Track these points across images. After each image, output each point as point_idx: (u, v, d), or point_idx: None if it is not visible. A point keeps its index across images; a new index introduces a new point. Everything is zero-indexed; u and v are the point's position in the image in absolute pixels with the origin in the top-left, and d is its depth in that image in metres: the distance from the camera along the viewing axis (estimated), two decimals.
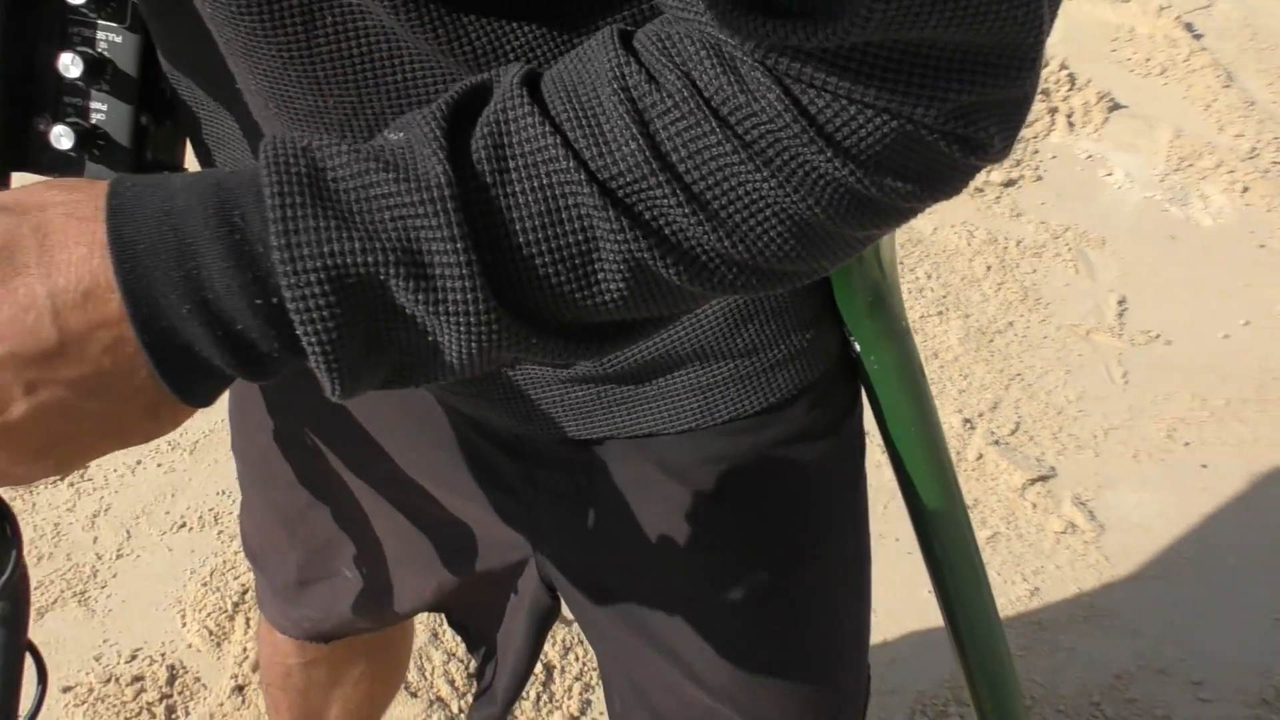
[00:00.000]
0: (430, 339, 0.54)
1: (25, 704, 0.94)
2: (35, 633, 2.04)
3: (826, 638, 0.98)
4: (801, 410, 0.90)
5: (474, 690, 1.30)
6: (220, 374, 0.55)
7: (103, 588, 2.14)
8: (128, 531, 2.24)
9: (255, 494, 1.19)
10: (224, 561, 2.19)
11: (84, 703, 1.95)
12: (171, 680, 2.00)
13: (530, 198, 0.53)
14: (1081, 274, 2.86)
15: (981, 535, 2.27)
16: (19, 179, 0.90)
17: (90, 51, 0.88)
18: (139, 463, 2.37)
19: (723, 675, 0.97)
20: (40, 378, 0.52)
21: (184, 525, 2.26)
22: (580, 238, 0.54)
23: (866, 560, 1.02)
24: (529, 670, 1.19)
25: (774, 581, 0.95)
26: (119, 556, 2.20)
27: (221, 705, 1.96)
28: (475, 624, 1.26)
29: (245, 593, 2.12)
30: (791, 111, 0.52)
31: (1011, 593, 2.19)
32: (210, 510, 2.29)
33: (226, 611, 2.09)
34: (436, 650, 2.03)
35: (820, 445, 0.93)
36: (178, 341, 0.52)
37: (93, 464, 2.37)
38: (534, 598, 1.06)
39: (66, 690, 1.97)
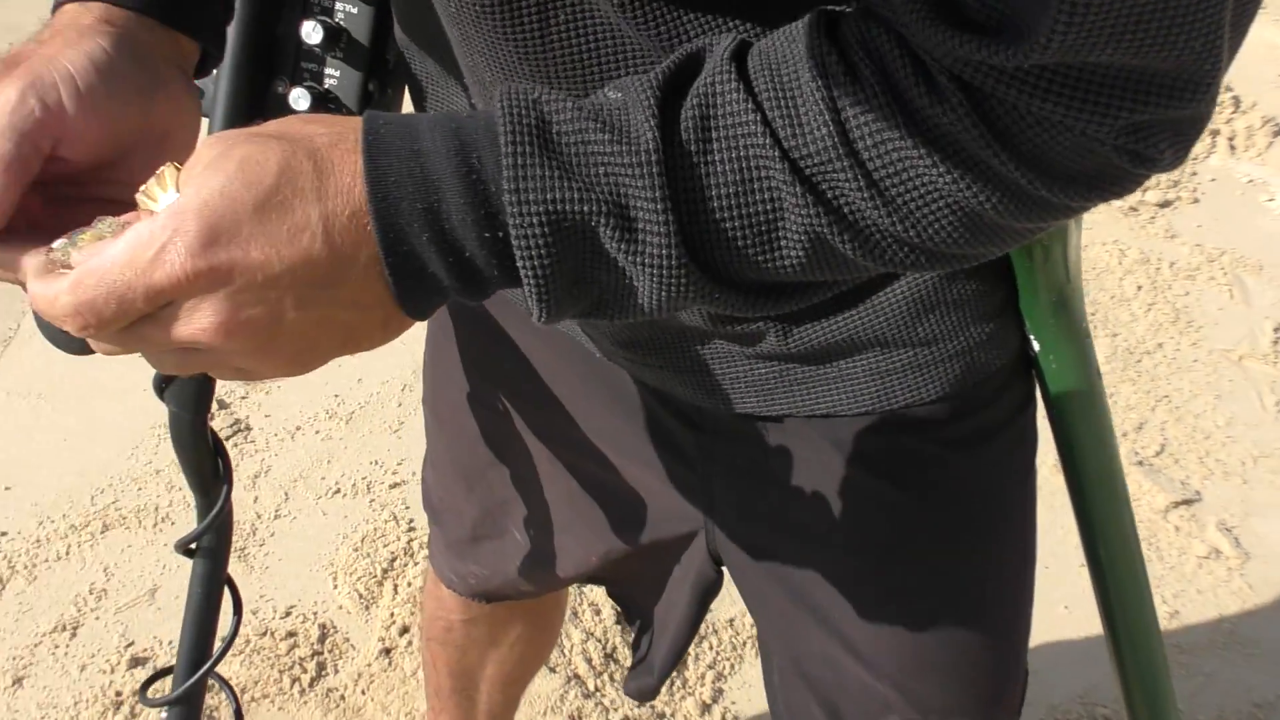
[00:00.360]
0: (627, 281, 0.60)
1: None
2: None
3: (991, 625, 1.00)
4: (977, 402, 0.93)
5: (630, 660, 1.34)
6: (444, 293, 0.61)
7: (261, 545, 2.24)
8: (285, 494, 2.33)
9: (441, 447, 1.25)
10: (375, 529, 2.27)
11: (240, 653, 2.04)
12: (322, 639, 2.08)
13: (728, 167, 0.58)
14: (1236, 299, 2.82)
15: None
16: None
17: (329, 20, 0.95)
18: (298, 429, 2.47)
19: (885, 654, 0.99)
20: (310, 294, 0.58)
21: (338, 491, 2.34)
22: (768, 207, 0.59)
23: (1033, 553, 1.03)
24: (688, 642, 1.22)
25: (944, 566, 0.97)
26: (276, 517, 2.29)
27: (369, 666, 2.03)
28: (634, 596, 1.30)
29: (394, 560, 2.19)
30: (972, 117, 0.56)
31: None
32: (363, 479, 2.37)
33: (376, 577, 2.17)
34: (575, 629, 2.08)
35: (994, 437, 0.95)
36: (415, 264, 0.58)
37: (255, 427, 2.47)
38: (699, 570, 1.09)
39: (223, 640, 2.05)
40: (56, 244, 0.62)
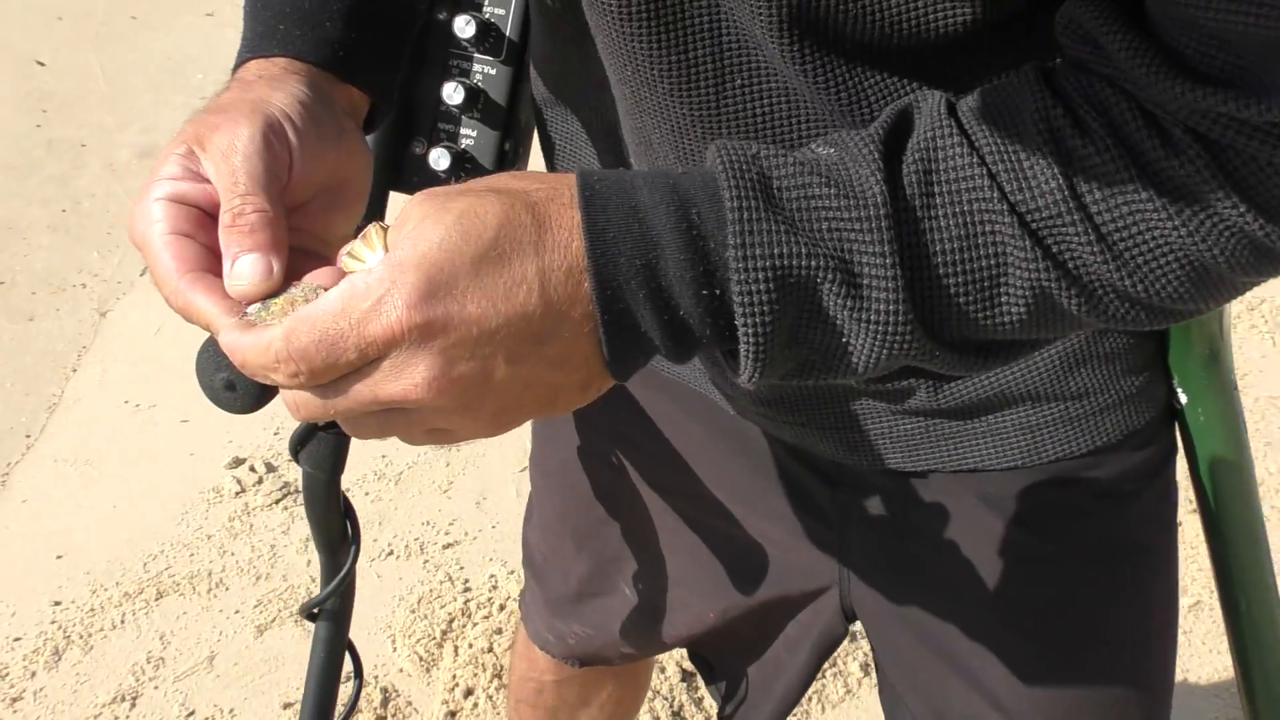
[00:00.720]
0: (843, 340, 0.59)
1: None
2: (255, 650, 2.11)
3: (1141, 678, 0.99)
4: (1125, 454, 0.92)
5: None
6: (650, 353, 0.60)
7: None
8: None
9: (549, 505, 1.24)
10: (430, 590, 2.25)
11: None
12: (385, 702, 2.06)
13: (952, 221, 0.58)
14: (1279, 347, 2.82)
15: (1184, 602, 2.24)
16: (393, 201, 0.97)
17: (468, 82, 0.95)
18: (347, 490, 2.44)
19: (1032, 709, 0.98)
20: (521, 350, 0.57)
21: (391, 553, 2.33)
22: (992, 262, 0.58)
23: (1176, 605, 1.02)
24: (797, 700, 1.20)
25: (1093, 619, 0.96)
26: None
27: None
28: (727, 654, 1.28)
29: (451, 621, 2.18)
30: (1211, 169, 0.56)
31: (1216, 662, 2.16)
32: (415, 540, 2.36)
33: (435, 639, 2.15)
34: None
35: (1143, 490, 0.95)
36: (628, 322, 0.57)
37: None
38: (826, 626, 1.08)
39: (286, 707, 2.04)
40: (251, 309, 0.62)
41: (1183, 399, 0.93)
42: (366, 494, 2.46)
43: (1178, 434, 0.98)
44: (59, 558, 2.31)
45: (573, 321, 0.57)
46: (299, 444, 0.97)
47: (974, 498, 0.94)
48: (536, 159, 0.99)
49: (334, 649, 1.17)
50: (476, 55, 0.96)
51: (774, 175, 0.58)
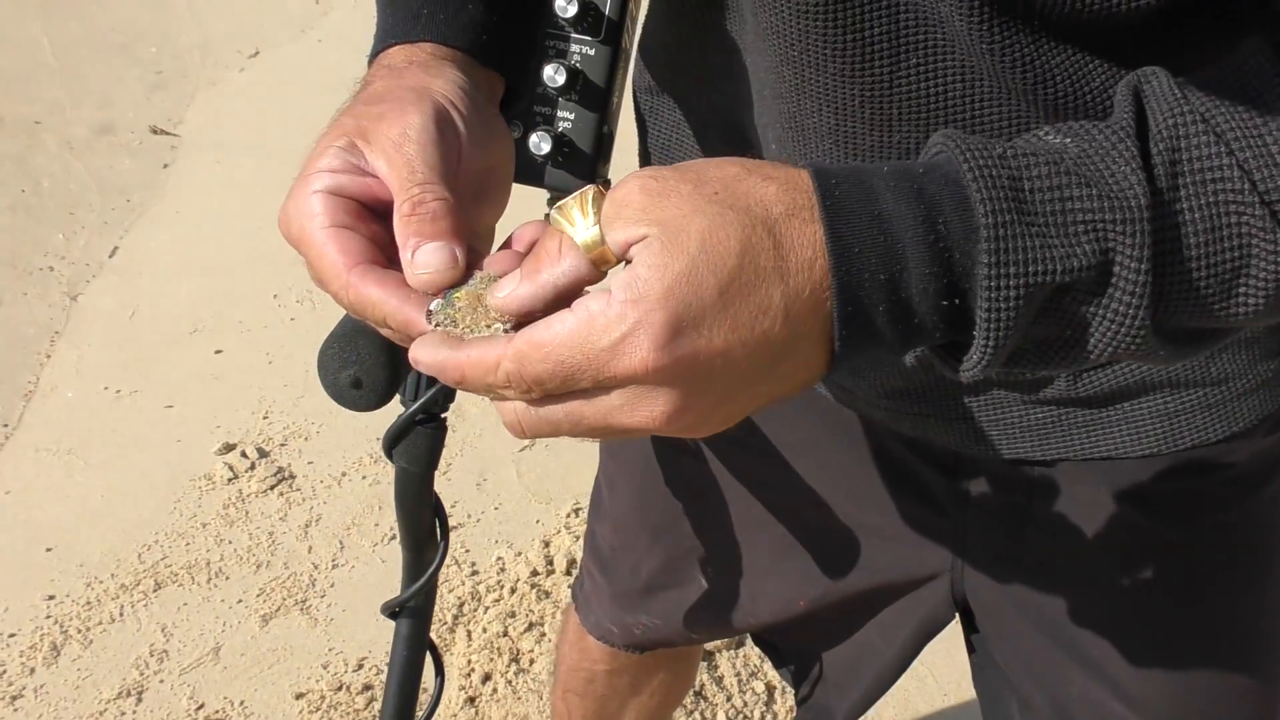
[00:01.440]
0: (1069, 335, 0.57)
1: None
2: (261, 640, 2.07)
3: (1266, 666, 0.98)
4: (1258, 439, 0.91)
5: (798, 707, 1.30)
6: (875, 359, 0.57)
7: (322, 597, 2.18)
8: (340, 542, 2.27)
9: (624, 497, 1.21)
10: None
11: (317, 709, 1.97)
12: None
13: (1199, 215, 0.55)
14: None
15: None
16: None
17: (566, 63, 0.92)
18: (344, 475, 2.41)
19: (1158, 699, 0.96)
20: (758, 373, 0.55)
21: (393, 537, 2.29)
22: (1235, 254, 0.56)
23: None
24: (891, 683, 1.18)
25: (1224, 606, 0.95)
26: (334, 566, 2.23)
27: (455, 717, 1.98)
28: (803, 640, 1.26)
29: (461, 606, 2.14)
30: None
31: None
32: None
33: (446, 624, 2.12)
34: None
35: (1271, 473, 0.94)
36: (865, 333, 0.55)
37: (299, 474, 2.41)
38: (931, 613, 1.06)
39: (299, 697, 2.00)
40: (434, 305, 0.60)
41: None
42: (364, 477, 2.41)
43: None
44: (49, 550, 2.25)
45: (811, 338, 0.55)
46: (394, 440, 0.94)
47: (1105, 487, 0.92)
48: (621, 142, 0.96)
49: (416, 647, 1.14)
50: (574, 35, 0.92)
51: (1025, 176, 0.55)
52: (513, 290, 0.57)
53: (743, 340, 0.53)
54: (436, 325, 0.60)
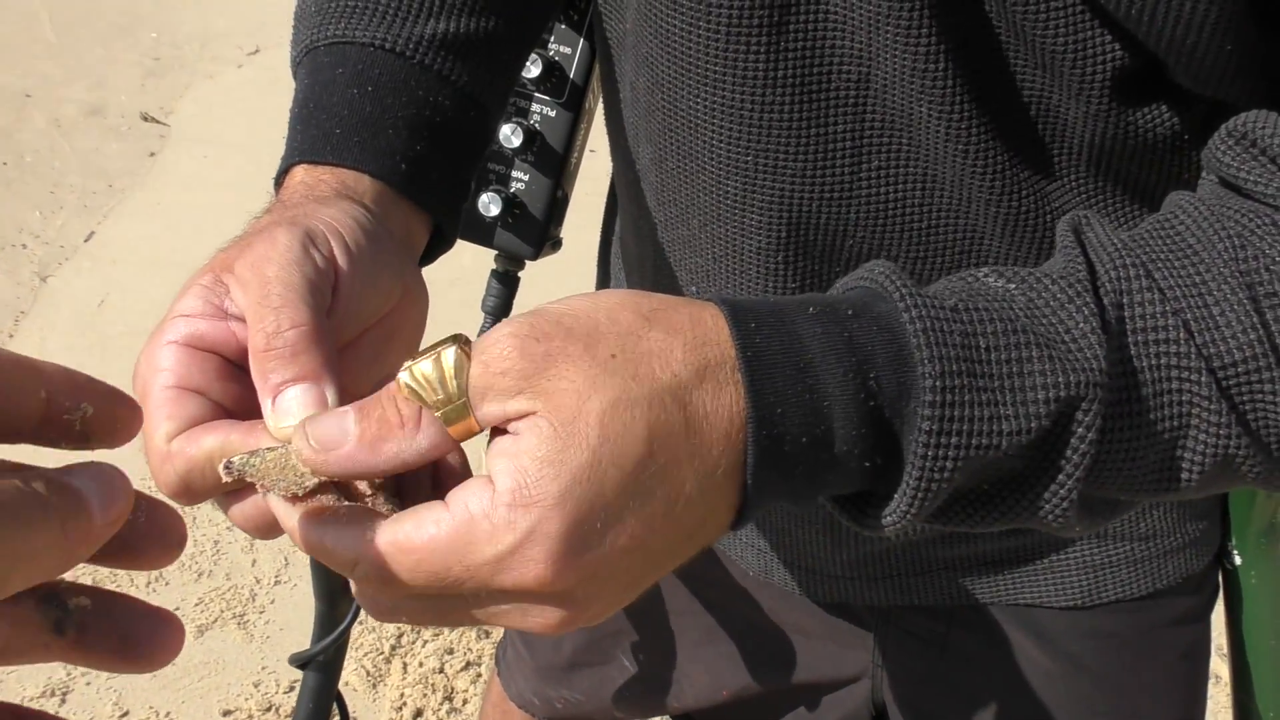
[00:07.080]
0: (992, 497, 0.52)
1: None
2: (194, 651, 2.02)
3: None
4: (1179, 597, 0.90)
5: None
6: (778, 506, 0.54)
7: (261, 613, 2.14)
8: (285, 558, 2.24)
9: None
10: None
11: None
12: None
13: (1146, 378, 0.51)
14: None
15: None
16: None
17: (525, 123, 0.89)
18: None
19: None
20: (669, 554, 0.49)
21: None
22: (1175, 424, 0.51)
23: None
24: None
25: None
26: (276, 583, 2.19)
27: None
28: None
29: (400, 637, 2.11)
30: None
31: None
32: None
33: (384, 654, 2.08)
34: None
35: (1187, 633, 0.93)
36: (775, 493, 0.49)
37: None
38: (851, 714, 1.04)
39: (226, 715, 1.96)
40: (235, 459, 0.48)
41: (1237, 560, 0.92)
42: None
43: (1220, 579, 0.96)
44: None
45: (721, 508, 0.49)
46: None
47: (1023, 631, 0.91)
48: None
49: (322, 701, 1.11)
50: (536, 95, 0.90)
51: (980, 333, 0.49)
52: (344, 451, 0.46)
53: (652, 530, 0.46)
54: (235, 478, 0.47)
